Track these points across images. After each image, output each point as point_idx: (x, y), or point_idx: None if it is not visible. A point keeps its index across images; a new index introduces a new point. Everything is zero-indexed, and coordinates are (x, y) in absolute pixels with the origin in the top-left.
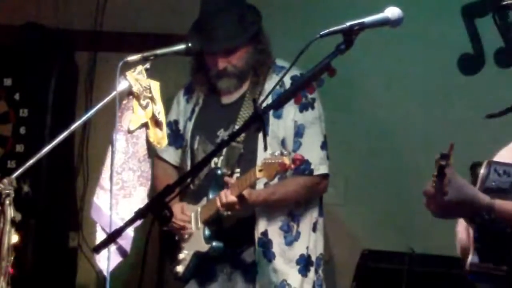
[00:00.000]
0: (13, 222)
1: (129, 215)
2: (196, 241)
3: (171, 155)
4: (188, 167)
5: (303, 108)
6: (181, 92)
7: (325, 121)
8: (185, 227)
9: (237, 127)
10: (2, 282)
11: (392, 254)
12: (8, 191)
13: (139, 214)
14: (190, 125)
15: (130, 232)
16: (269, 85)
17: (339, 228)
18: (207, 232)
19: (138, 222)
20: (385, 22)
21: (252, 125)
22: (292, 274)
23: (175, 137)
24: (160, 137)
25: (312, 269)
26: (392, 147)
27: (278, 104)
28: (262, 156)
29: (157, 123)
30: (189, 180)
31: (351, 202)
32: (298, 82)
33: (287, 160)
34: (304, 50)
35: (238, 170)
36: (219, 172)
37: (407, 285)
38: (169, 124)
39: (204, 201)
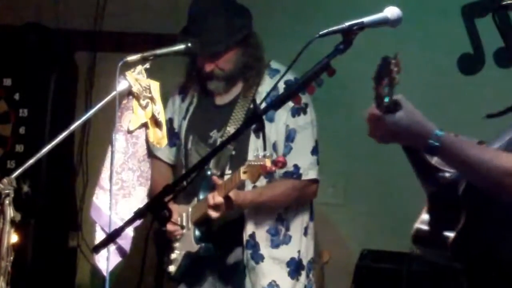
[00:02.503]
0: (13, 222)
1: (129, 215)
2: (187, 241)
3: (165, 153)
4: (183, 166)
5: (295, 112)
6: (176, 91)
7: (323, 122)
8: (174, 232)
9: (229, 128)
10: (2, 282)
11: (392, 254)
12: (8, 191)
13: (139, 214)
14: (184, 124)
15: (129, 232)
16: (262, 87)
17: (339, 228)
18: (197, 232)
19: (138, 222)
20: (385, 22)
21: (251, 126)
22: (281, 276)
23: (170, 135)
24: (160, 137)
25: (303, 273)
26: (392, 147)
27: (277, 104)
28: (252, 157)
29: (157, 123)
30: (185, 183)
31: (351, 202)
32: (298, 82)
33: (268, 163)
34: (303, 50)
35: (229, 171)
36: (209, 172)
37: (407, 285)
38: None
39: (195, 201)
